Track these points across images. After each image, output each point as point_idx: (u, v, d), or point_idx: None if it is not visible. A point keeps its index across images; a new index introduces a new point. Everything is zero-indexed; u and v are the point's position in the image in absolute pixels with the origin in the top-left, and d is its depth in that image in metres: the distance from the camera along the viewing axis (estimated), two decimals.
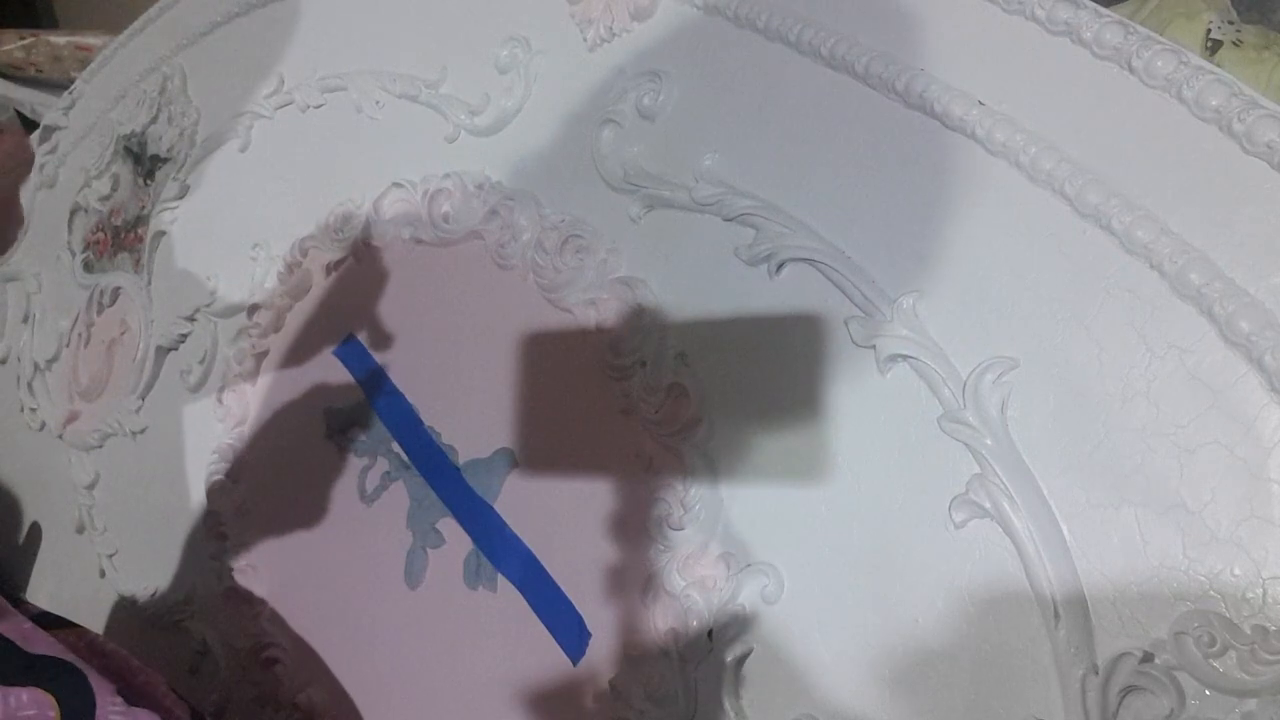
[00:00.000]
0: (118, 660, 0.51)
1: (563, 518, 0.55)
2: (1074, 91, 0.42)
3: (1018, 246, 0.42)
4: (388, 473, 0.65)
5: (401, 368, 0.66)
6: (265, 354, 0.75)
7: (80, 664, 0.44)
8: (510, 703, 0.55)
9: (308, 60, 0.75)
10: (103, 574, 0.83)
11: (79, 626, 0.52)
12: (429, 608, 0.61)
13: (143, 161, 0.89)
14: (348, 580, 0.66)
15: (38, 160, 1.00)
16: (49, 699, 0.42)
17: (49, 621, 0.51)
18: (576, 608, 0.53)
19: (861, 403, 0.45)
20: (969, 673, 0.40)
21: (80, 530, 0.87)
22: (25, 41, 1.30)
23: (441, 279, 0.64)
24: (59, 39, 1.31)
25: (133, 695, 0.46)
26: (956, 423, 0.41)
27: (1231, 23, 0.65)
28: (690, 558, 0.48)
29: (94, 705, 0.43)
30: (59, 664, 0.44)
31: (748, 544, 0.47)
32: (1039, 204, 0.42)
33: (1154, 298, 0.38)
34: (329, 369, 0.70)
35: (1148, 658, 0.36)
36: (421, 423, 0.63)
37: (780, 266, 0.48)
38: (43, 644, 0.44)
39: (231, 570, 0.72)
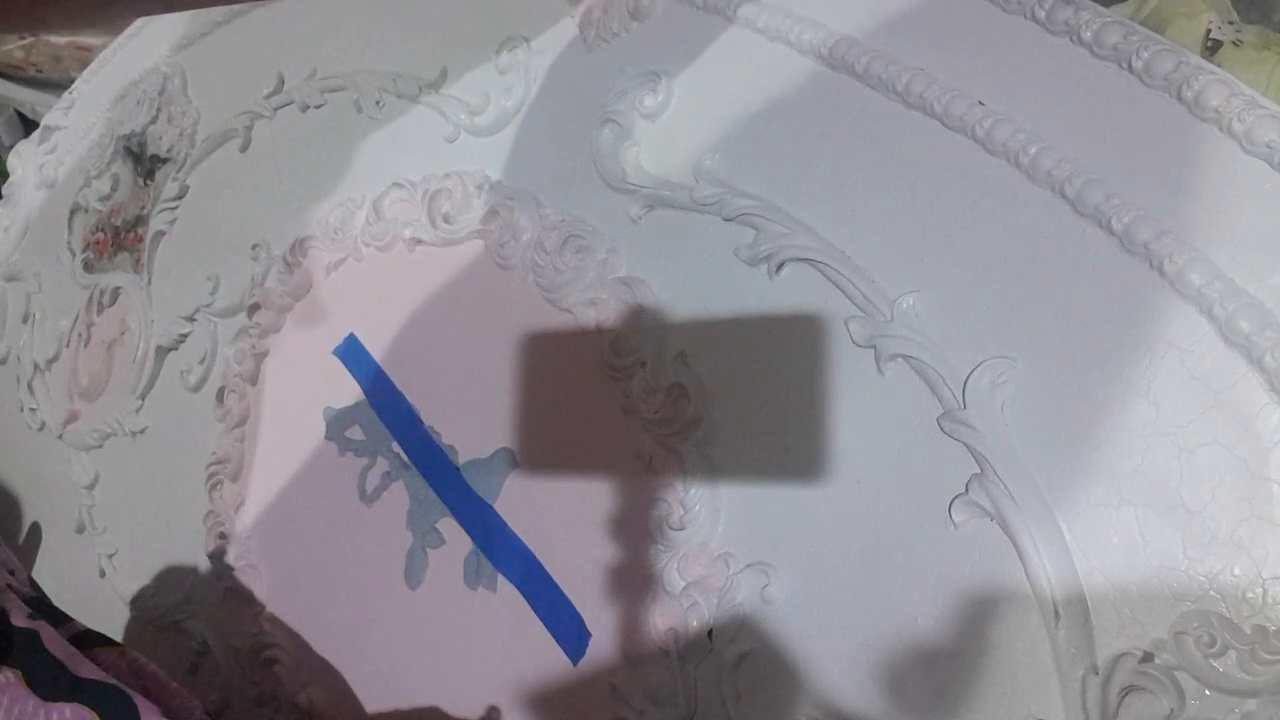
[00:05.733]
0: (157, 682, 0.51)
1: (563, 518, 0.55)
2: (1074, 91, 0.42)
3: (1018, 246, 0.42)
4: (388, 472, 0.65)
5: (401, 367, 0.66)
6: (265, 354, 0.75)
7: (125, 688, 0.45)
8: (510, 703, 0.55)
9: (308, 60, 0.75)
10: (103, 574, 0.83)
11: (120, 645, 0.52)
12: (429, 608, 0.61)
13: (143, 161, 0.88)
14: (348, 580, 0.66)
15: (37, 160, 1.00)
16: (92, 715, 0.42)
17: (92, 640, 0.51)
18: (576, 608, 0.53)
19: (861, 402, 0.45)
20: (969, 673, 0.40)
21: (80, 530, 0.87)
22: (25, 41, 1.29)
23: (441, 279, 0.64)
24: (59, 39, 1.30)
25: (173, 718, 0.47)
26: (956, 423, 0.41)
27: (1231, 23, 0.65)
28: (690, 558, 0.48)
29: None
30: (105, 686, 0.44)
31: (748, 544, 0.47)
32: (1039, 204, 0.42)
33: (1154, 298, 0.38)
34: (329, 369, 0.70)
35: (1148, 658, 0.36)
36: (421, 422, 0.63)
37: (780, 266, 0.48)
38: (87, 668, 0.45)
39: (231, 570, 0.72)
